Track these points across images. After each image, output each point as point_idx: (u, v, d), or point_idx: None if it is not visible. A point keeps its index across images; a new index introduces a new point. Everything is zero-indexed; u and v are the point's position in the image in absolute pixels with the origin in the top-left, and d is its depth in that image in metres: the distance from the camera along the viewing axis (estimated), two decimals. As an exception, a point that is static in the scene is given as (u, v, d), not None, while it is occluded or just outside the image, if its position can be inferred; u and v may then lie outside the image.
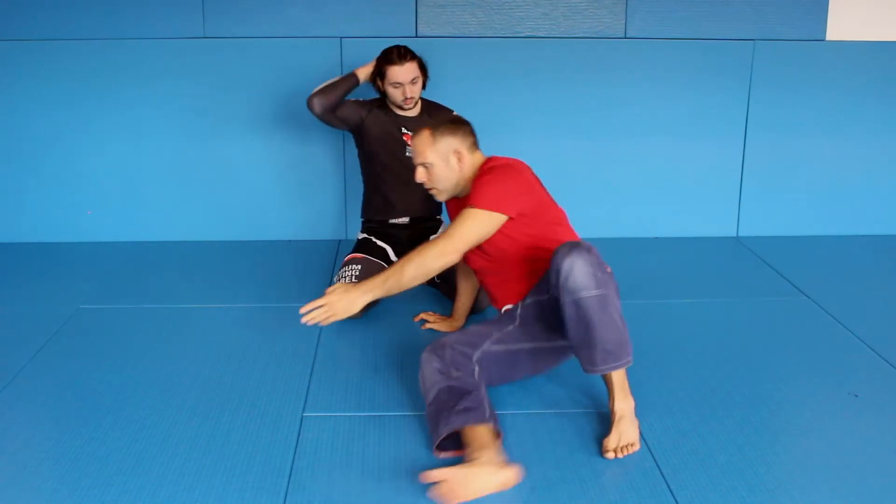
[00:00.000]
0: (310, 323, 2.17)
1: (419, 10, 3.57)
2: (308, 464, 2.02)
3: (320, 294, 2.15)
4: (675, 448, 2.08)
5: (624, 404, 2.11)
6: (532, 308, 2.29)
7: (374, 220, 3.15)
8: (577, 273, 2.01)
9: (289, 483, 1.94)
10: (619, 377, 2.11)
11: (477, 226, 2.21)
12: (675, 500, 1.88)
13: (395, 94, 3.00)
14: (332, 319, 2.18)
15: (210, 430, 2.16)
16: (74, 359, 2.58)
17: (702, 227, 3.86)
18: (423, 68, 3.03)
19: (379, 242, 3.08)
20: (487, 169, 2.30)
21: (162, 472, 1.98)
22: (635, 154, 3.75)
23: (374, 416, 2.26)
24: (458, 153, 2.34)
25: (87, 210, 3.73)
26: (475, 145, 2.40)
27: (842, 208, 3.86)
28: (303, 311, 2.17)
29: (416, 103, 3.07)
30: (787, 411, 2.29)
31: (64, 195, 3.70)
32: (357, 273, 2.89)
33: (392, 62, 2.96)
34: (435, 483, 1.84)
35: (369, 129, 3.07)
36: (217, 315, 2.93)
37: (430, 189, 2.42)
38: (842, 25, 3.65)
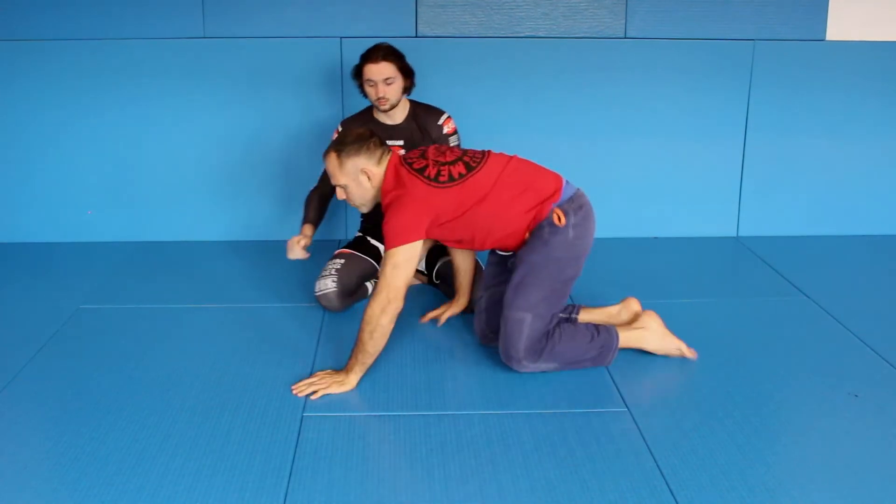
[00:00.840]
0: (304, 394, 2.35)
1: (419, 10, 3.57)
2: (308, 464, 2.02)
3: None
4: (675, 448, 2.08)
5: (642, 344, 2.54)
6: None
7: (371, 222, 3.15)
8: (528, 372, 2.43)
9: (289, 483, 1.94)
10: (626, 341, 2.52)
11: (399, 266, 2.31)
12: (675, 500, 1.88)
13: (370, 92, 2.95)
14: (323, 393, 2.35)
15: (210, 430, 2.16)
16: (74, 359, 2.58)
17: (702, 227, 3.86)
18: (405, 71, 2.95)
19: (373, 241, 3.09)
20: (387, 205, 2.39)
21: (162, 472, 1.98)
22: (635, 154, 3.75)
23: (374, 416, 2.26)
24: (365, 171, 2.41)
25: (87, 210, 3.73)
26: (385, 154, 2.45)
27: (842, 208, 3.86)
28: (294, 389, 2.36)
29: (394, 107, 2.98)
30: (787, 411, 2.30)
31: (64, 195, 3.70)
32: (338, 267, 2.92)
33: (367, 59, 2.91)
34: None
35: None
36: (217, 315, 2.93)
37: (353, 205, 2.51)
38: (842, 25, 3.65)
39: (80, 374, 2.48)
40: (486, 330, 2.61)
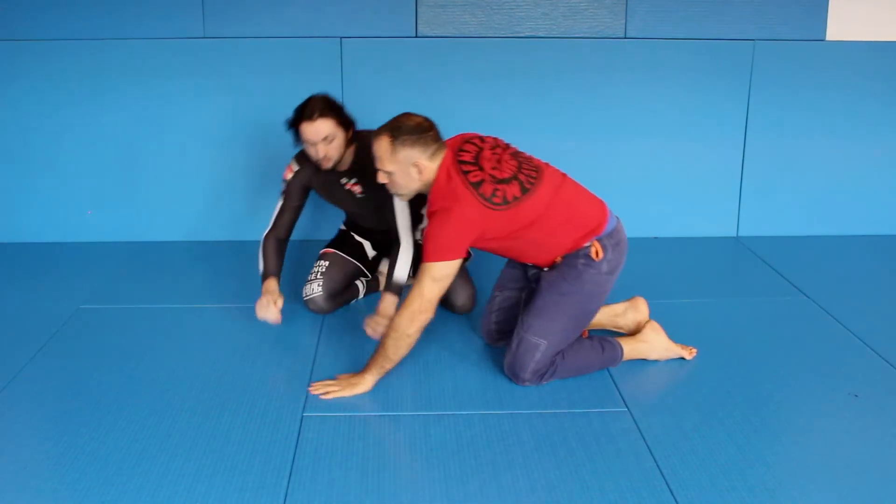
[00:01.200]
0: (318, 393, 2.36)
1: (419, 10, 3.57)
2: (308, 464, 2.02)
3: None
4: (675, 448, 2.09)
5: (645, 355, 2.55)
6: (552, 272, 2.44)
7: (357, 219, 3.15)
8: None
9: (289, 483, 1.94)
10: (629, 354, 2.52)
11: (438, 280, 2.26)
12: (675, 500, 1.88)
13: (309, 151, 2.70)
14: (335, 396, 2.34)
15: (210, 430, 2.17)
16: (74, 359, 2.58)
17: (702, 227, 3.85)
18: (345, 124, 2.67)
19: (357, 238, 3.10)
20: (433, 212, 2.29)
21: (162, 472, 1.98)
22: (635, 154, 3.75)
23: (374, 416, 2.26)
24: (417, 165, 2.28)
25: (87, 210, 3.73)
26: (439, 149, 2.30)
27: (842, 208, 3.86)
28: (311, 387, 2.38)
29: (337, 163, 2.72)
30: (787, 411, 2.30)
31: (64, 195, 3.71)
32: (323, 270, 2.93)
33: (301, 117, 2.63)
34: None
35: (317, 191, 2.93)
36: (217, 315, 2.93)
37: (391, 191, 2.40)
38: (842, 25, 3.65)
39: (80, 374, 2.48)
40: (494, 329, 2.60)
